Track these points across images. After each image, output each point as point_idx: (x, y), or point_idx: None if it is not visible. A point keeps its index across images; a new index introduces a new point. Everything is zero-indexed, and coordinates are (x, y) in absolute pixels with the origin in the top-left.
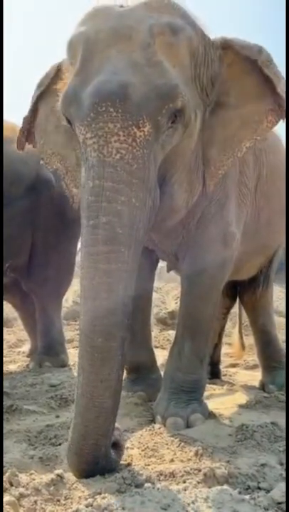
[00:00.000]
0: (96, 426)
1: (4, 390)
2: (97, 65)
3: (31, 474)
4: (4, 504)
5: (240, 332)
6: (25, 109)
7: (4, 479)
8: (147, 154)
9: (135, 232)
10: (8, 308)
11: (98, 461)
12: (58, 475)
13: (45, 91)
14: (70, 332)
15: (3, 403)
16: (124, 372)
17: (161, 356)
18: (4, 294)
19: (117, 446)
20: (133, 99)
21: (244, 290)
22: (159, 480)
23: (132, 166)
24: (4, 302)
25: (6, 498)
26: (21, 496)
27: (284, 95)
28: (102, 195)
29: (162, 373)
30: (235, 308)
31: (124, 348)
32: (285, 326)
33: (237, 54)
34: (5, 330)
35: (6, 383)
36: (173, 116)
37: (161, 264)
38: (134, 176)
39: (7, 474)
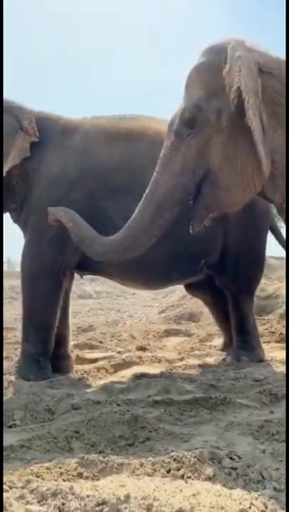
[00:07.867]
0: None
1: (210, 382)
2: None
3: (277, 469)
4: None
5: None
6: None
7: (254, 472)
8: (175, 155)
9: (155, 196)
10: (192, 304)
11: None
12: None
13: None
14: (258, 327)
15: (212, 395)
16: None
17: None
18: (195, 291)
19: None
20: (171, 122)
21: None
22: None
23: (164, 162)
24: (195, 298)
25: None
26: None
27: None
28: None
29: None
30: None
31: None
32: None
33: None
34: (193, 325)
35: (209, 376)
36: (190, 125)
37: None
38: (165, 167)
39: (256, 467)
